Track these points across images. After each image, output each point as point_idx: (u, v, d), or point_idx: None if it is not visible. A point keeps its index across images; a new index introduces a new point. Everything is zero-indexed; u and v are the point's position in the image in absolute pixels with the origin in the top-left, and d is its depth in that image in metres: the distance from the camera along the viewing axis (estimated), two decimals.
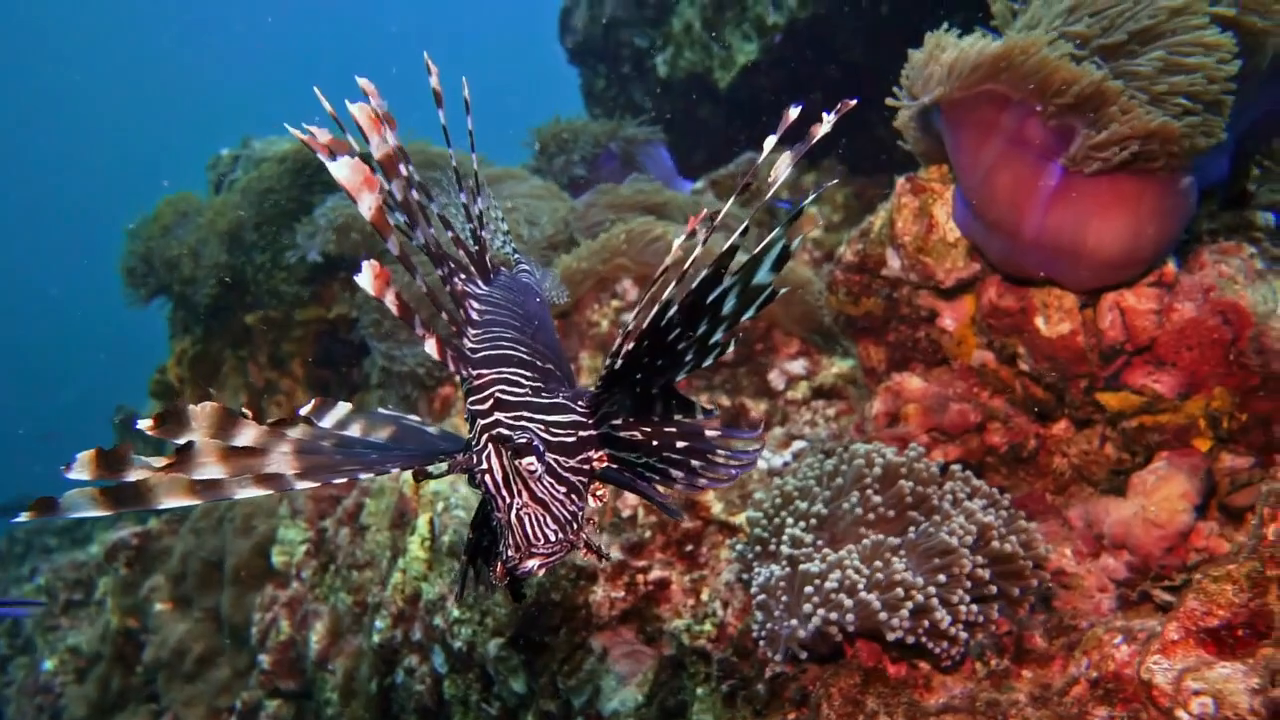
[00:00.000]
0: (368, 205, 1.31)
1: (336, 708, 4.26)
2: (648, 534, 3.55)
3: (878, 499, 2.79)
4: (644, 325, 1.47)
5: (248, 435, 1.40)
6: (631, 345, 1.50)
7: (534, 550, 1.46)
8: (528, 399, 1.58)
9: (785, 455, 3.84)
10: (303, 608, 4.65)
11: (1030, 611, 3.11)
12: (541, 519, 1.47)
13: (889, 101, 3.19)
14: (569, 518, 1.50)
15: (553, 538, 1.47)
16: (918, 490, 2.85)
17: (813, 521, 2.88)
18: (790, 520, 2.86)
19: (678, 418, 1.64)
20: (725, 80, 7.48)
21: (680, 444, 1.61)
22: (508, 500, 1.48)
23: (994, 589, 2.68)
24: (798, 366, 4.44)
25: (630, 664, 3.45)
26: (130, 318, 7.64)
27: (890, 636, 2.53)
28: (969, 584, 2.64)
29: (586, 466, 1.58)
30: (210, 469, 1.37)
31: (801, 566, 2.64)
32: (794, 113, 1.37)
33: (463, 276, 1.80)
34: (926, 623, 2.55)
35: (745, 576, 3.03)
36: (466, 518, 3.83)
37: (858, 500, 2.84)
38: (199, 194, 7.82)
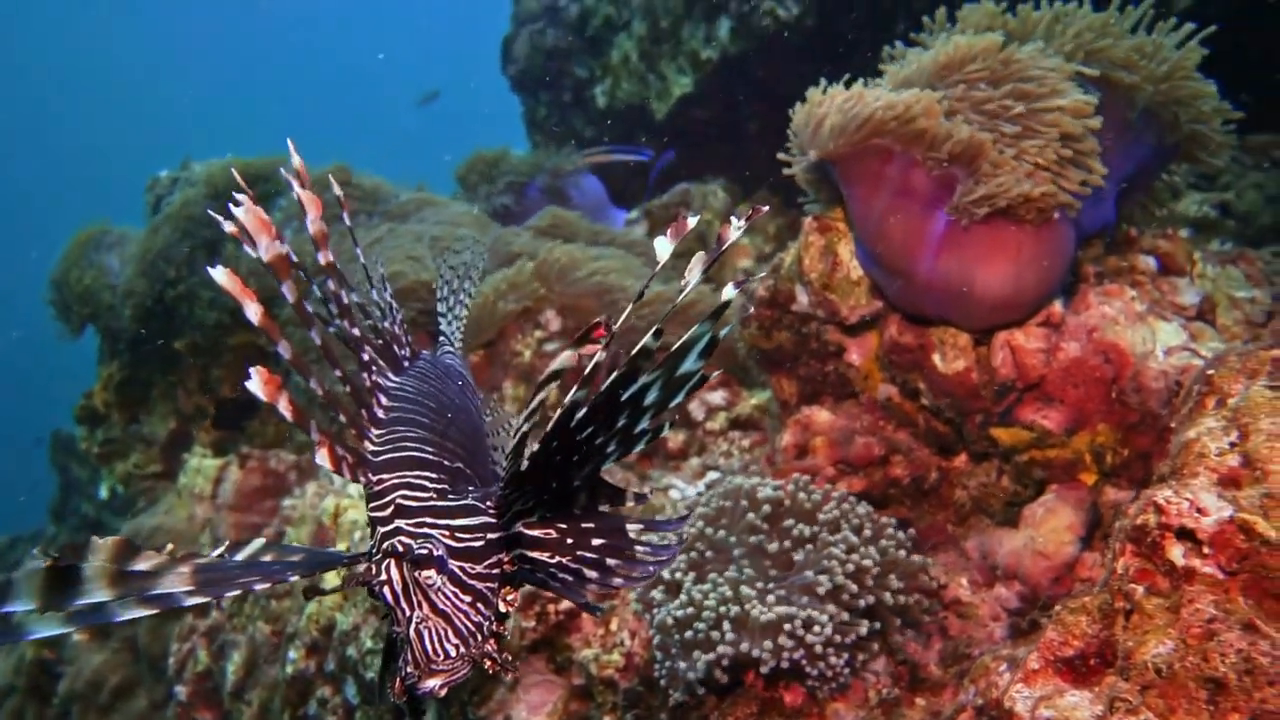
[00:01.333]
0: (253, 313, 1.34)
1: None
2: None
3: (753, 538, 2.88)
4: (549, 429, 1.41)
5: (147, 562, 1.35)
6: (537, 447, 1.43)
7: (434, 667, 1.40)
8: (432, 503, 1.52)
9: (699, 486, 3.92)
10: (220, 637, 4.62)
11: (925, 642, 3.21)
12: (443, 633, 1.41)
13: (780, 156, 3.32)
14: (473, 629, 1.44)
15: (454, 653, 1.41)
16: (794, 529, 2.94)
17: (705, 555, 2.96)
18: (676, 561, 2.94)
19: (602, 508, 1.59)
20: (662, 111, 7.64)
21: (596, 541, 1.56)
22: (407, 613, 1.41)
23: (863, 622, 2.77)
24: (717, 397, 4.53)
25: (540, 694, 3.48)
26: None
27: (763, 669, 2.61)
28: (836, 613, 2.73)
29: (496, 570, 1.51)
30: (97, 593, 1.31)
31: (675, 612, 2.73)
32: (691, 222, 1.35)
33: (374, 369, 1.73)
34: (800, 652, 2.64)
35: (646, 616, 3.10)
36: None
37: (739, 537, 2.93)
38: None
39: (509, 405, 4.66)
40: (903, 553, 2.93)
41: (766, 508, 2.96)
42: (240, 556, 1.52)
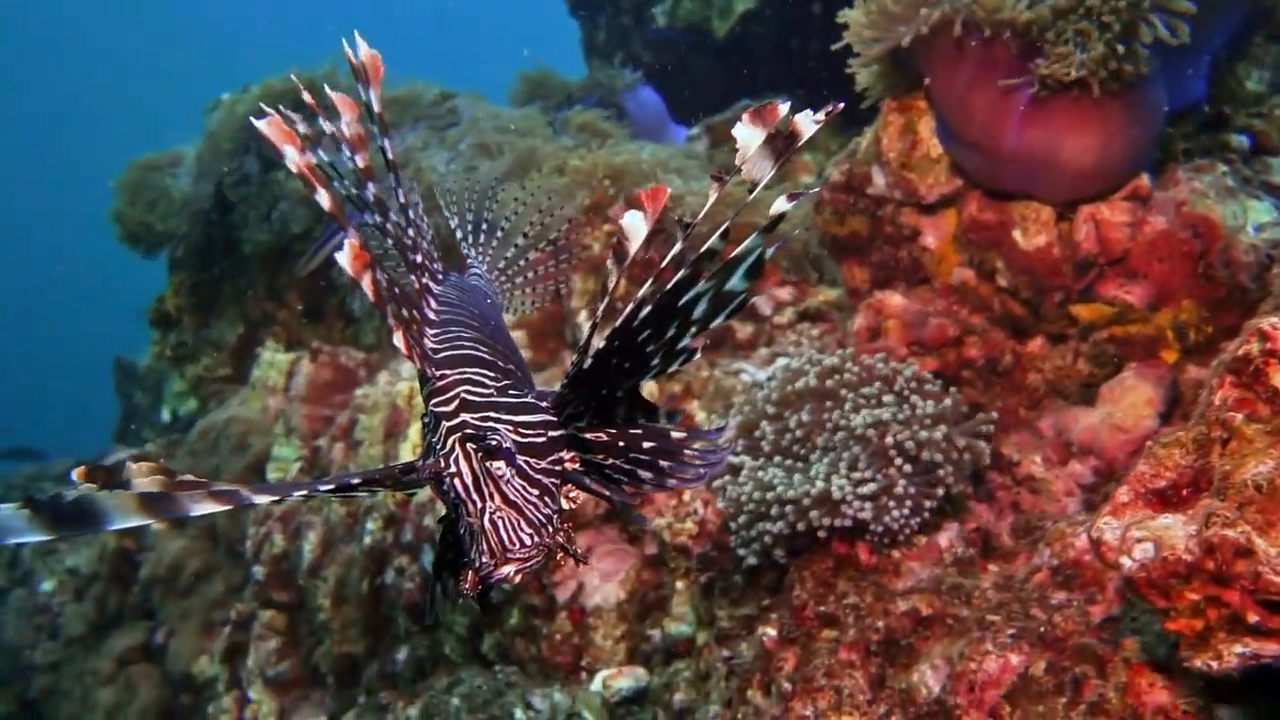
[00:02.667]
0: (324, 198, 1.35)
1: (328, 613, 4.39)
2: None
3: (806, 416, 2.94)
4: (618, 324, 1.43)
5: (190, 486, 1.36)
6: (603, 344, 1.46)
7: (510, 555, 1.41)
8: (494, 399, 1.54)
9: (769, 370, 3.94)
10: (296, 520, 4.77)
11: (997, 514, 3.23)
12: (516, 523, 1.43)
13: (851, 63, 3.34)
14: (543, 521, 1.45)
15: (528, 542, 1.42)
16: (845, 396, 2.99)
17: (763, 435, 3.03)
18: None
19: (641, 421, 1.63)
20: (724, 29, 7.54)
21: (647, 444, 1.58)
22: (479, 504, 1.43)
23: (907, 466, 2.79)
24: (784, 293, 4.53)
25: (613, 562, 3.57)
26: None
27: (820, 533, 2.68)
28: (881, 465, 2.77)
29: (558, 468, 1.54)
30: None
31: (740, 488, 2.82)
32: (783, 109, 1.29)
33: (424, 274, 1.76)
34: (859, 513, 2.70)
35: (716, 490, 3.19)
36: None
37: (793, 413, 3.00)
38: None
39: (576, 300, 4.71)
40: (948, 402, 2.93)
41: (806, 382, 3.00)
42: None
